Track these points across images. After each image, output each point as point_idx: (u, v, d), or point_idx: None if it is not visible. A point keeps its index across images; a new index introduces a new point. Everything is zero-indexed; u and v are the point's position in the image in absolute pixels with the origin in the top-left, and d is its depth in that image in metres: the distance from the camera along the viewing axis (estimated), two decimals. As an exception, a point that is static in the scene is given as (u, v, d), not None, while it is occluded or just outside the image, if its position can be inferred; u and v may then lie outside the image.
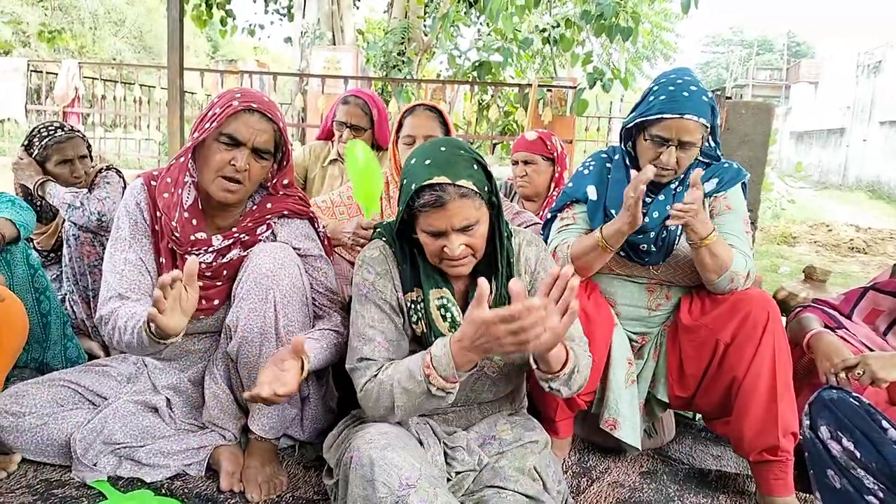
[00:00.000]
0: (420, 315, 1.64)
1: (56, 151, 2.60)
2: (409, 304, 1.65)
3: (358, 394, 1.60)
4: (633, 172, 1.99)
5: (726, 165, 2.06)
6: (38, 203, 2.61)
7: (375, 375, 1.56)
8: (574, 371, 1.55)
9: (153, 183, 1.85)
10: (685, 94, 1.87)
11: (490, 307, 1.57)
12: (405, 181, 1.56)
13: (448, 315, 1.63)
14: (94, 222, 2.45)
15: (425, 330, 1.63)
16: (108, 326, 1.75)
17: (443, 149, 1.54)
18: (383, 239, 1.71)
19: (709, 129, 1.93)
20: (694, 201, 1.79)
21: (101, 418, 1.84)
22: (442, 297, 1.63)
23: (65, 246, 2.51)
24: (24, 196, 2.64)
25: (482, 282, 1.34)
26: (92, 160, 2.75)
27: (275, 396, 1.53)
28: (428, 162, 1.51)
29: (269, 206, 1.90)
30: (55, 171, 2.61)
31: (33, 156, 2.61)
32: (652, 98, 1.93)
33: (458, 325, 1.62)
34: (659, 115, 1.88)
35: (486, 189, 1.54)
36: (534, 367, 1.55)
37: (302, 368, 1.65)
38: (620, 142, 2.08)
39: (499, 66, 9.21)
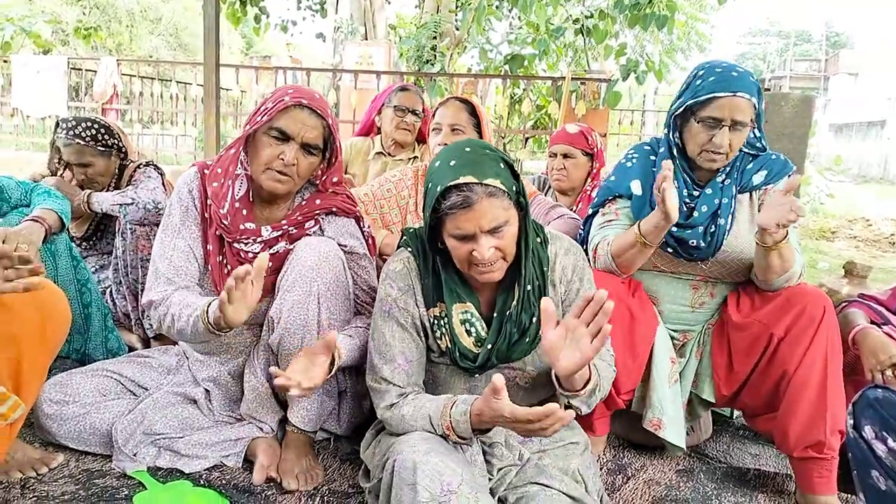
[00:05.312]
0: (444, 331, 1.62)
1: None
2: (432, 321, 1.64)
3: (377, 413, 1.63)
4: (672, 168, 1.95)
5: (774, 157, 2.02)
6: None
7: (395, 404, 1.58)
8: (596, 390, 1.54)
9: (206, 171, 1.89)
10: (734, 73, 1.86)
11: (514, 314, 1.58)
12: (430, 185, 1.51)
13: (472, 330, 1.62)
14: (153, 211, 2.48)
15: (449, 346, 1.62)
16: (160, 310, 1.78)
17: (467, 149, 1.50)
18: (408, 249, 1.67)
19: (755, 116, 1.89)
20: (795, 210, 1.70)
21: (142, 409, 1.88)
22: (465, 312, 1.62)
23: (118, 238, 2.54)
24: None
25: (498, 377, 1.35)
26: (125, 158, 2.77)
27: (300, 390, 1.56)
28: (453, 163, 1.46)
29: (317, 202, 1.92)
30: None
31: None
32: (699, 82, 1.90)
33: (482, 340, 1.61)
34: (711, 95, 1.85)
35: (513, 189, 1.50)
36: (556, 384, 1.53)
37: (332, 364, 1.66)
38: (668, 132, 2.03)
39: (532, 59, 9.14)
